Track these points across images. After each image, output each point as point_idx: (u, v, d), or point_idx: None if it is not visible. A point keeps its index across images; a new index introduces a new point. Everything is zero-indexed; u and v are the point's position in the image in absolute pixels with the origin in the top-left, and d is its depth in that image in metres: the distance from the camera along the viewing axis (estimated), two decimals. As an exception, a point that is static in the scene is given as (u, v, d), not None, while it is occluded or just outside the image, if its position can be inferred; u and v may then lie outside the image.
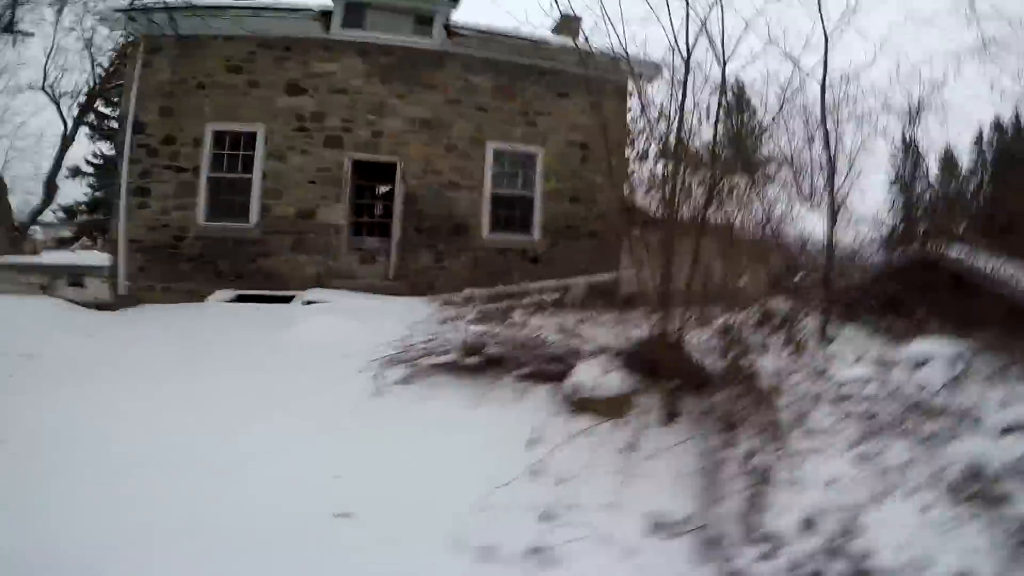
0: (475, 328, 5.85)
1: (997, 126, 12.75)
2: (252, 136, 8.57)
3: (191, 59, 8.56)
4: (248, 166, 8.58)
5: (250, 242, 8.48)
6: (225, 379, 4.75)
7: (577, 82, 9.69)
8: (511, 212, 9.26)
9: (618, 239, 9.81)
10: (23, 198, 16.98)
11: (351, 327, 6.02)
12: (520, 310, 7.51)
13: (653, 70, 10.27)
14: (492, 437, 3.87)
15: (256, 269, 8.41)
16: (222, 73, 8.56)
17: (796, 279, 7.59)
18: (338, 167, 8.61)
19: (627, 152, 7.54)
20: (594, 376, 4.35)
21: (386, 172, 8.97)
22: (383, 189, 9.25)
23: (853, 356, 5.06)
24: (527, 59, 9.20)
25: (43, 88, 15.97)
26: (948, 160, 11.57)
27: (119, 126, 10.11)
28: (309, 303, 7.45)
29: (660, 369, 4.33)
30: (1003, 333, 5.89)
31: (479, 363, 4.79)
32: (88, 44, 15.31)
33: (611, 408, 4.21)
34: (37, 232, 21.96)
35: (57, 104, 16.20)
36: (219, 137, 8.60)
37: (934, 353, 5.60)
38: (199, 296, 8.19)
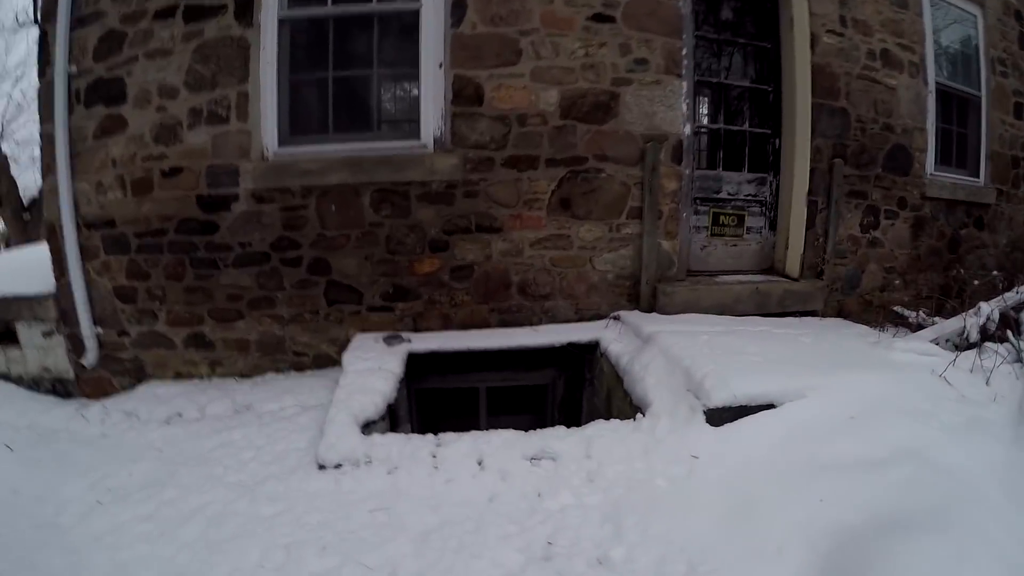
0: None
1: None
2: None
3: None
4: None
5: (433, 196, 3.35)
6: None
7: None
8: (948, 126, 4.59)
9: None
10: (35, 172, 11.47)
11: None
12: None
13: None
14: None
15: (445, 279, 3.44)
16: None
17: None
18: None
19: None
20: None
21: (754, 14, 3.92)
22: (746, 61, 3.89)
23: None
24: None
25: (36, 21, 10.13)
26: None
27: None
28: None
29: None
30: None
31: None
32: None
33: None
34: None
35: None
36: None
37: None
38: (293, 359, 3.32)
